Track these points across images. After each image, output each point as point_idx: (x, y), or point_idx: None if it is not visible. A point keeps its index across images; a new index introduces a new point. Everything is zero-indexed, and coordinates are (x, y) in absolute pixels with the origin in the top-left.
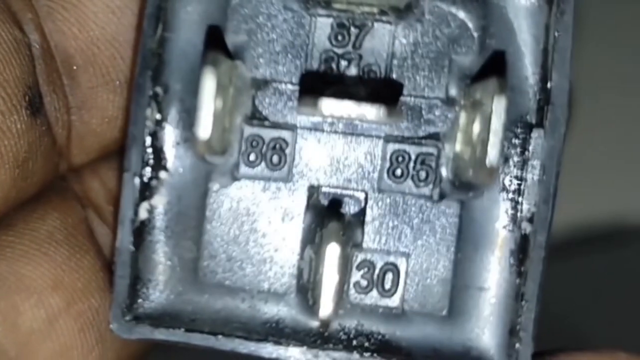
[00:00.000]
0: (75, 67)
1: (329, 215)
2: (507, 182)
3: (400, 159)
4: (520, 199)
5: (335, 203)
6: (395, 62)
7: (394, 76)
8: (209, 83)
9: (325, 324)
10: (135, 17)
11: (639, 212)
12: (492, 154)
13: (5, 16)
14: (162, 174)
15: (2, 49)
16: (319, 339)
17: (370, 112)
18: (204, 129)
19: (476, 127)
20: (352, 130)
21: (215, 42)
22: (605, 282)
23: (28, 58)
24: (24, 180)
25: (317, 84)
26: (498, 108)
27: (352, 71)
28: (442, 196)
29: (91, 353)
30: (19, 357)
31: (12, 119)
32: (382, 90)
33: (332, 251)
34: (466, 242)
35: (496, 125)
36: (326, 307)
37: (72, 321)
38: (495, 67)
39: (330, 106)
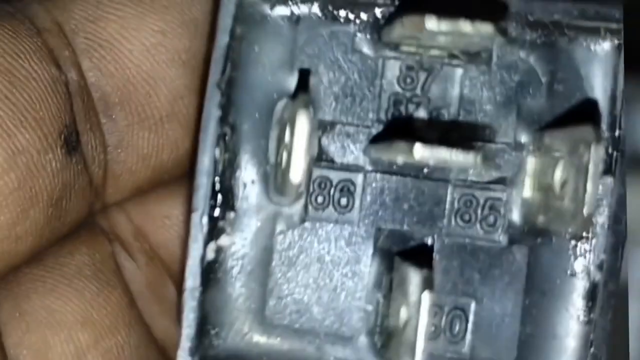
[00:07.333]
0: (111, 105)
1: (414, 263)
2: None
3: (468, 203)
4: (589, 246)
5: (419, 249)
6: (463, 106)
7: (462, 120)
8: (303, 126)
9: None
10: (170, 54)
11: None
12: (590, 204)
13: (43, 54)
14: (230, 214)
15: (38, 87)
16: None
17: (466, 158)
18: (296, 173)
19: (558, 175)
20: (420, 173)
21: (304, 85)
22: None
23: (65, 96)
24: (58, 219)
25: (387, 128)
26: (596, 157)
27: (421, 114)
28: (510, 242)
29: None
30: None
31: (47, 157)
32: (452, 134)
33: (426, 299)
34: (534, 288)
35: (594, 174)
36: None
37: (99, 357)
38: (585, 114)
39: (423, 151)
